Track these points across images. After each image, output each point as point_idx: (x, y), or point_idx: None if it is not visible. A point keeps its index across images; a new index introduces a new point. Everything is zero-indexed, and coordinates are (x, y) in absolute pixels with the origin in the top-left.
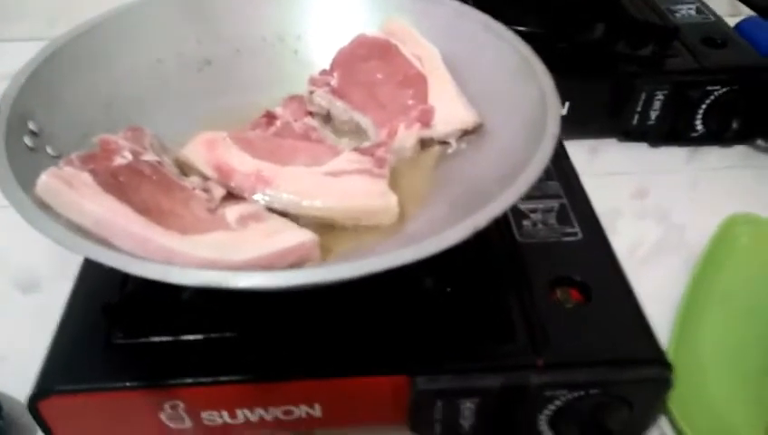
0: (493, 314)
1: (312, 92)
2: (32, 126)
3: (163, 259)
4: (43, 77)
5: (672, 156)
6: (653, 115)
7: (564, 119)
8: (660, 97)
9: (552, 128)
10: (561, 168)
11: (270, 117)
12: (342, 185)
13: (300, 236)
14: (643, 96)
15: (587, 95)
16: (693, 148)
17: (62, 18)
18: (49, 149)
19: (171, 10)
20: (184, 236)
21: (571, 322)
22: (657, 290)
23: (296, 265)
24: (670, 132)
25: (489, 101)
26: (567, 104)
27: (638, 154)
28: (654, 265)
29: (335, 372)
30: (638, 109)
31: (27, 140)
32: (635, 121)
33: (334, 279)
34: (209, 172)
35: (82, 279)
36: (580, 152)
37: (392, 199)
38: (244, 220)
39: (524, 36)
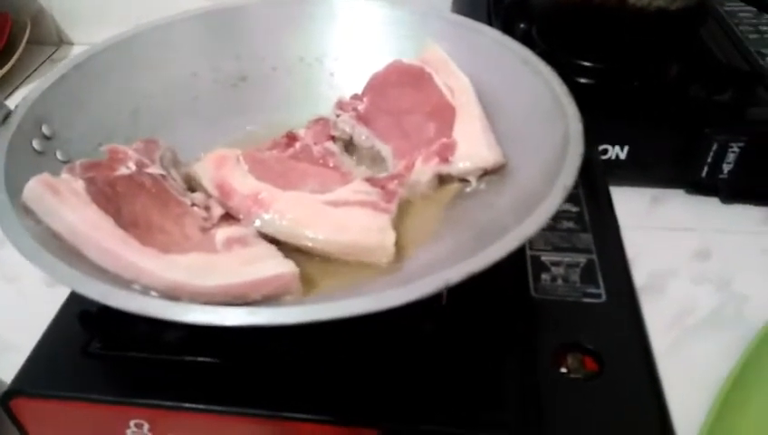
0: (484, 373)
1: (338, 116)
2: (45, 130)
3: (130, 277)
4: (69, 82)
5: (745, 215)
6: (725, 168)
7: (622, 163)
8: (735, 149)
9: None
10: (599, 219)
11: (290, 138)
12: (340, 216)
13: (277, 267)
14: (715, 147)
15: (650, 140)
16: None
17: None
18: (59, 154)
19: (211, 25)
20: (163, 254)
21: (573, 394)
22: (701, 368)
23: (272, 297)
24: (745, 189)
25: (515, 140)
26: (626, 148)
27: (706, 209)
28: (702, 338)
29: (302, 414)
30: (709, 160)
31: (36, 144)
32: (703, 174)
33: (262, 324)
34: (212, 190)
35: None
36: (640, 202)
37: (389, 237)
38: (230, 243)
39: (587, 71)
